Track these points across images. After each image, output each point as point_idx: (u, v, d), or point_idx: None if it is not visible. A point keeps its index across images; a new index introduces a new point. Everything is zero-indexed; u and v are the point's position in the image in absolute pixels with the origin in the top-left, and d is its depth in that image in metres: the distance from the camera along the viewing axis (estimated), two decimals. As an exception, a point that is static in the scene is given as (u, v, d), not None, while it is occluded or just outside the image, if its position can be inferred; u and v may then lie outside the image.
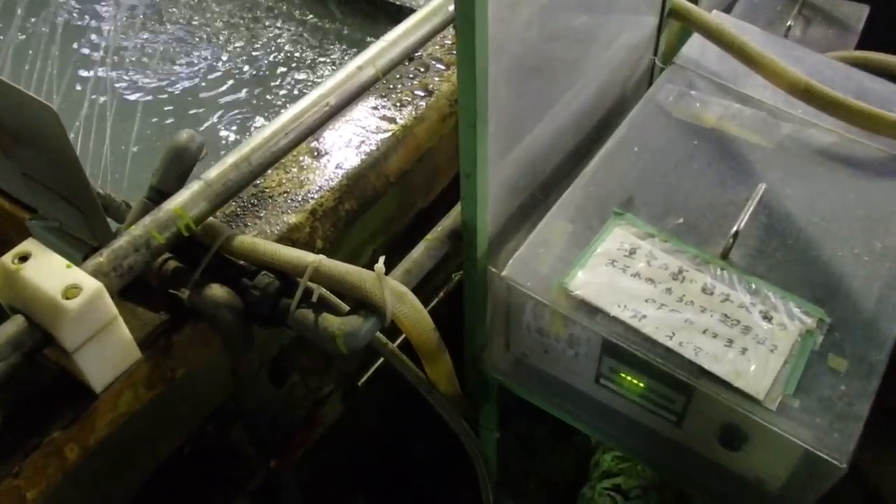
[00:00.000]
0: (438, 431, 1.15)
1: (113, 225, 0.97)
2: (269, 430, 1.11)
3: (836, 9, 1.73)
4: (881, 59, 1.46)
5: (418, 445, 1.71)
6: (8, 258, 0.77)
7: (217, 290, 0.86)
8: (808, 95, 1.11)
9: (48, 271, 0.76)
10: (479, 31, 0.72)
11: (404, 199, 1.23)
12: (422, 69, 1.25)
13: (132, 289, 0.89)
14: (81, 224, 0.93)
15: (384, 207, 1.19)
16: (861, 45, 1.68)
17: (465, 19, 0.71)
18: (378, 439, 1.65)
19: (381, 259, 0.83)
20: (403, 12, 1.57)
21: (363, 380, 1.36)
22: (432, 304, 1.38)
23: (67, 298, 0.73)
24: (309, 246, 1.02)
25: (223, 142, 1.51)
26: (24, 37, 1.68)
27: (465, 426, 1.09)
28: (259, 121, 1.52)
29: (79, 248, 0.96)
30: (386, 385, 1.24)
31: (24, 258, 0.76)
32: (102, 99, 1.53)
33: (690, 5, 1.23)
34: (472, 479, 1.27)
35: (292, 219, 1.01)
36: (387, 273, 0.84)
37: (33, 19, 1.76)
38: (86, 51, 1.68)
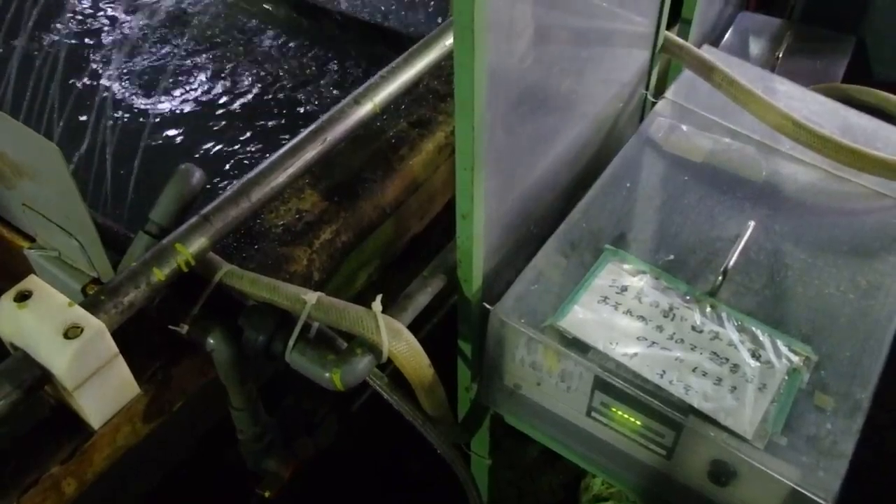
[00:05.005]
0: (433, 452, 1.16)
1: (112, 255, 0.97)
2: (265, 456, 1.11)
3: (824, 40, 1.77)
4: (866, 92, 1.50)
5: (413, 466, 1.72)
6: (9, 296, 0.78)
7: (215, 327, 0.87)
8: (796, 133, 1.14)
9: (50, 310, 0.77)
10: (478, 80, 0.73)
11: (399, 226, 1.24)
12: (419, 100, 1.27)
13: (131, 322, 0.90)
14: (80, 255, 0.94)
15: (380, 235, 1.20)
16: (848, 75, 1.72)
17: (463, 69, 0.73)
18: (373, 459, 1.66)
19: (378, 297, 0.84)
20: (402, 39, 1.59)
21: (359, 403, 1.37)
22: (426, 328, 1.40)
23: (69, 338, 0.74)
24: (306, 278, 1.03)
25: (219, 159, 1.52)
26: (28, 53, 1.69)
27: (458, 456, 1.10)
28: (261, 140, 1.54)
29: (77, 278, 0.97)
30: (380, 406, 1.25)
31: (25, 296, 0.77)
32: (106, 121, 1.55)
33: (682, 41, 1.26)
34: (465, 500, 1.28)
35: (290, 251, 1.02)
36: (384, 310, 0.86)
37: (41, 35, 1.77)
38: (89, 73, 1.70)
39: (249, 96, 1.65)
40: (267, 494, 1.06)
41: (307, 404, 1.26)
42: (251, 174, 0.96)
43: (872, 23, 1.84)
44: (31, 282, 0.79)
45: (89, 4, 1.89)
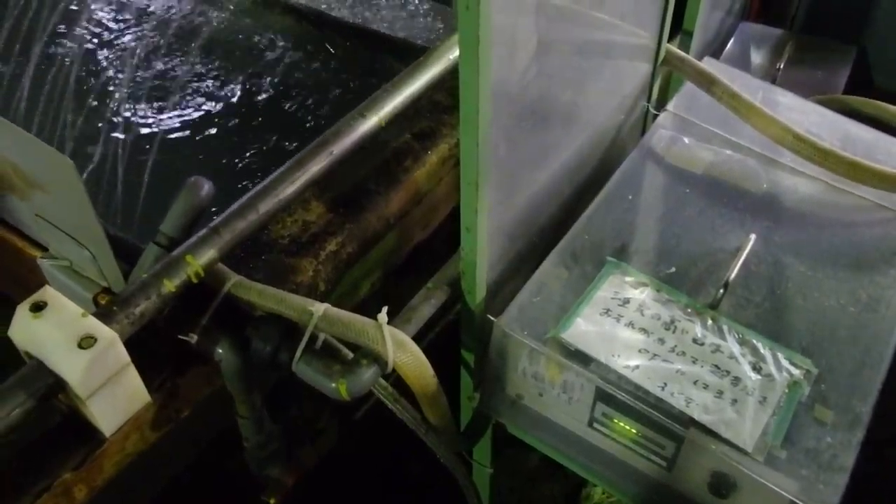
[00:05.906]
0: (434, 456, 1.18)
1: (122, 265, 0.99)
2: (270, 463, 1.13)
3: (826, 50, 1.78)
4: (867, 103, 1.51)
5: (414, 468, 1.73)
6: (25, 306, 0.79)
7: (223, 337, 0.88)
8: (797, 145, 1.15)
9: (64, 320, 0.78)
10: (482, 96, 0.75)
11: (403, 236, 1.26)
12: (422, 112, 1.29)
13: (141, 331, 0.91)
14: (91, 265, 0.96)
15: (384, 245, 1.22)
16: (849, 85, 1.73)
17: (467, 85, 0.75)
18: (374, 462, 1.68)
19: (384, 310, 0.86)
20: (407, 48, 1.60)
21: (363, 409, 1.38)
22: (429, 336, 1.41)
23: (83, 348, 0.76)
24: (311, 288, 1.05)
25: (228, 171, 1.54)
26: (40, 65, 1.72)
27: (459, 464, 1.11)
28: (268, 152, 1.57)
29: (88, 287, 0.99)
30: (383, 411, 1.26)
31: (40, 307, 0.79)
32: (117, 133, 1.57)
33: (683, 54, 1.27)
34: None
35: (296, 262, 1.04)
36: (388, 321, 0.87)
37: (54, 47, 1.80)
38: (101, 85, 1.73)
39: (257, 108, 1.67)
40: (272, 501, 1.08)
41: (310, 411, 1.27)
42: (259, 187, 0.98)
43: (874, 32, 1.86)
44: (46, 292, 0.81)
45: (101, 17, 1.92)
